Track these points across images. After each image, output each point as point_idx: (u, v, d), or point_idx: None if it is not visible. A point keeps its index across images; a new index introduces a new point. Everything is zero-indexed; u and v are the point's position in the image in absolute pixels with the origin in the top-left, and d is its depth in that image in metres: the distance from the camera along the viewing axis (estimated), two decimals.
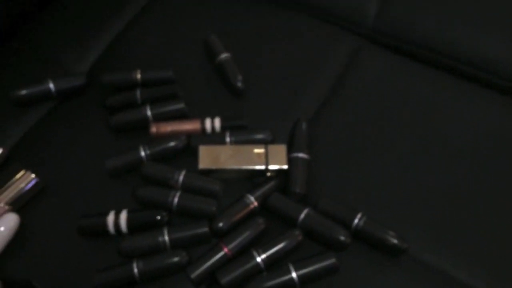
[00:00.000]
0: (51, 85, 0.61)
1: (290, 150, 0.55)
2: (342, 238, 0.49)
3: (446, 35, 0.65)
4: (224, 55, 0.62)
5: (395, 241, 0.49)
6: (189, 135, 0.57)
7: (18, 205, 0.53)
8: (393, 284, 0.49)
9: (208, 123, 0.58)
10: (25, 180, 0.54)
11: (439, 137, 0.58)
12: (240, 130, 0.57)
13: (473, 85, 0.63)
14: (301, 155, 0.54)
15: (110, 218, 0.51)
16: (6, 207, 0.53)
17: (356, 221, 0.50)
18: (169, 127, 0.58)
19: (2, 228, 0.52)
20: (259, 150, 0.54)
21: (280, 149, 0.55)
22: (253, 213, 0.52)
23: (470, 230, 0.52)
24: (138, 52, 0.66)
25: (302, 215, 0.50)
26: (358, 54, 0.65)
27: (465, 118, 0.59)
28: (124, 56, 0.66)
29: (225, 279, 0.47)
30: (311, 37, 0.66)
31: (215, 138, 0.57)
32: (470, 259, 0.50)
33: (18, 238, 0.52)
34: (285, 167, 0.54)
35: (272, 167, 0.54)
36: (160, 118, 0.58)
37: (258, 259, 0.48)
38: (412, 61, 0.64)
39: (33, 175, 0.54)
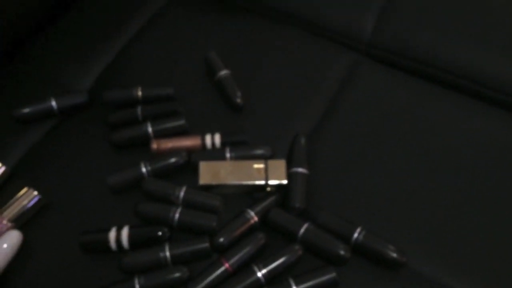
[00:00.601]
0: (53, 103, 0.62)
1: (289, 165, 0.56)
2: (342, 252, 0.49)
3: (445, 50, 0.66)
4: (223, 72, 0.63)
5: (394, 255, 0.49)
6: (190, 151, 0.58)
7: (20, 222, 0.54)
8: None
9: (208, 139, 0.58)
10: (27, 197, 0.54)
11: (439, 152, 0.58)
12: (240, 146, 0.58)
13: (473, 100, 0.63)
14: (300, 170, 0.55)
15: (112, 234, 0.51)
16: (9, 224, 0.53)
17: (355, 235, 0.50)
18: (169, 144, 0.58)
19: (5, 245, 0.52)
20: (258, 166, 0.55)
21: (280, 164, 0.55)
22: (253, 228, 0.53)
23: (470, 244, 0.52)
24: (138, 69, 0.67)
25: (302, 230, 0.51)
26: (356, 69, 0.66)
27: (465, 133, 0.60)
28: (125, 73, 0.67)
29: None
30: (309, 53, 0.67)
31: (215, 154, 0.57)
32: (470, 272, 0.51)
33: (21, 255, 0.52)
34: (285, 182, 0.54)
35: (271, 182, 0.54)
36: (161, 134, 0.59)
37: (259, 274, 0.48)
38: (410, 76, 0.65)
39: (35, 192, 0.55)
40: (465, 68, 0.65)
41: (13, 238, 0.53)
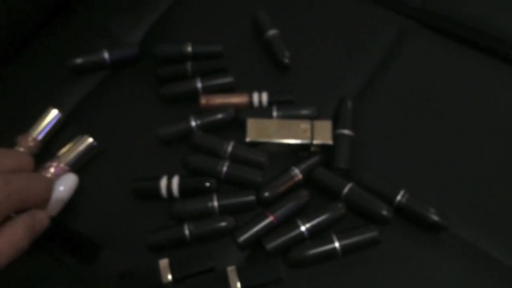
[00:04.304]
0: (106, 55, 0.64)
1: (335, 127, 0.57)
2: (384, 213, 0.51)
3: (500, 20, 0.64)
4: (272, 31, 0.63)
5: (436, 218, 0.50)
6: (237, 108, 0.59)
7: (76, 166, 0.57)
8: (432, 259, 0.51)
9: (255, 97, 0.60)
10: (83, 143, 0.57)
11: (484, 121, 0.58)
12: (287, 105, 0.59)
13: None
14: (346, 131, 0.56)
15: (163, 182, 0.54)
16: (66, 168, 0.56)
17: (398, 197, 0.52)
18: (218, 100, 0.60)
19: (62, 188, 0.55)
20: (305, 125, 0.56)
21: (326, 125, 0.56)
22: (297, 185, 0.54)
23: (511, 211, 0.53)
24: (187, 26, 0.68)
25: (346, 189, 0.52)
26: (405, 35, 0.65)
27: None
28: (174, 29, 0.68)
29: (270, 245, 0.50)
30: (359, 17, 0.67)
31: (262, 112, 0.59)
32: (510, 240, 0.52)
33: (76, 197, 0.55)
34: (330, 142, 0.55)
35: (317, 142, 0.55)
36: (209, 90, 0.61)
37: (303, 228, 0.50)
38: (461, 45, 0.64)
39: (91, 139, 0.57)
40: None
41: (70, 181, 0.55)
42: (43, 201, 0.46)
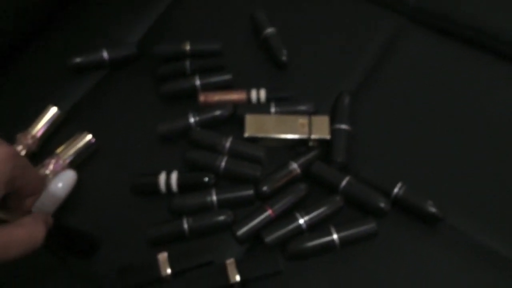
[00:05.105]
0: (105, 54, 0.64)
1: (332, 122, 0.57)
2: (382, 205, 0.51)
3: (493, 17, 0.65)
4: (269, 30, 0.64)
5: (433, 209, 0.51)
6: (235, 104, 0.60)
7: (75, 163, 0.57)
8: (429, 251, 0.51)
9: (253, 93, 0.60)
10: (82, 140, 0.57)
11: (481, 116, 0.59)
12: (285, 102, 0.60)
13: None
14: (343, 126, 0.57)
15: (162, 177, 0.54)
16: (65, 164, 0.56)
17: (396, 190, 0.52)
18: (216, 96, 0.60)
19: (60, 184, 0.55)
20: (303, 121, 0.57)
21: (323, 120, 0.57)
22: (296, 180, 0.55)
23: (509, 203, 0.53)
24: (186, 24, 0.69)
25: (344, 182, 0.53)
26: (400, 33, 0.66)
27: (508, 100, 0.60)
28: (173, 28, 0.69)
29: (269, 238, 0.50)
30: (355, 15, 0.68)
31: (260, 108, 0.59)
32: (507, 232, 0.52)
33: (74, 194, 0.55)
34: (328, 137, 0.56)
35: (315, 137, 0.56)
36: (208, 88, 0.61)
37: (301, 221, 0.51)
38: (455, 42, 0.65)
39: (89, 136, 0.57)
40: None
41: (68, 177, 0.55)
42: (37, 189, 0.45)
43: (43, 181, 0.45)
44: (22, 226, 0.39)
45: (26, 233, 0.39)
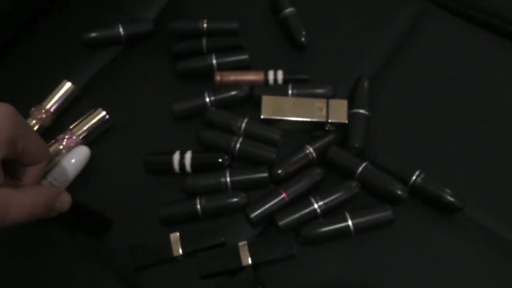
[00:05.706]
0: (121, 29, 0.63)
1: (350, 106, 0.56)
2: (399, 192, 0.50)
3: None
4: (289, 10, 0.63)
5: (452, 199, 0.50)
6: (252, 85, 0.59)
7: (89, 139, 0.57)
8: (445, 240, 0.50)
9: (271, 74, 0.59)
10: (96, 116, 0.57)
11: (501, 103, 0.57)
12: (302, 84, 0.58)
13: None
14: (361, 111, 0.55)
15: (176, 156, 0.53)
16: (78, 140, 0.56)
17: (414, 177, 0.51)
18: (232, 76, 0.59)
19: (74, 160, 0.55)
20: (320, 104, 0.56)
21: (341, 104, 0.56)
22: (311, 164, 0.54)
23: None
24: (203, 2, 0.67)
25: (360, 168, 0.52)
26: (423, 17, 0.64)
27: None
28: (190, 6, 0.67)
29: (282, 221, 0.50)
30: None
31: (277, 90, 0.58)
32: None
33: (87, 170, 0.55)
34: (345, 121, 0.55)
35: (332, 120, 0.55)
36: (224, 67, 0.60)
37: (315, 205, 0.50)
38: (477, 27, 0.63)
39: (103, 112, 0.57)
40: None
41: (81, 153, 0.55)
42: (41, 156, 0.44)
43: (47, 148, 0.44)
44: (22, 192, 0.38)
45: (26, 198, 0.38)
